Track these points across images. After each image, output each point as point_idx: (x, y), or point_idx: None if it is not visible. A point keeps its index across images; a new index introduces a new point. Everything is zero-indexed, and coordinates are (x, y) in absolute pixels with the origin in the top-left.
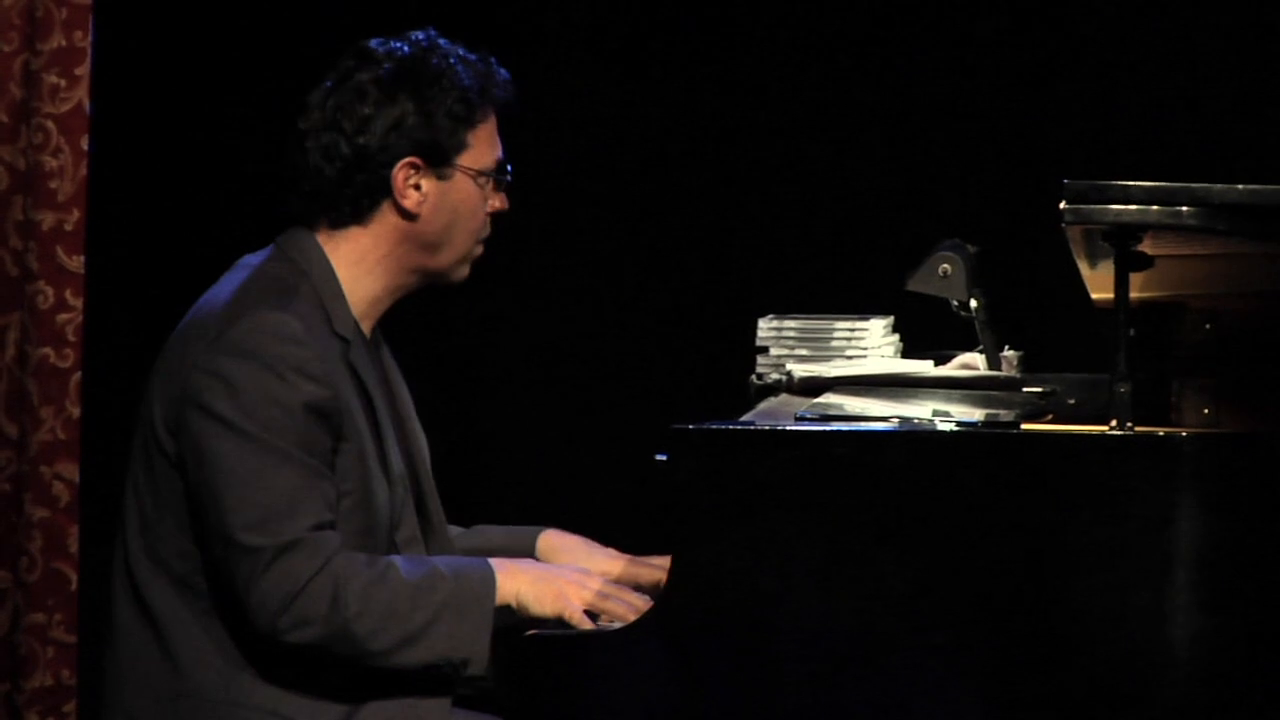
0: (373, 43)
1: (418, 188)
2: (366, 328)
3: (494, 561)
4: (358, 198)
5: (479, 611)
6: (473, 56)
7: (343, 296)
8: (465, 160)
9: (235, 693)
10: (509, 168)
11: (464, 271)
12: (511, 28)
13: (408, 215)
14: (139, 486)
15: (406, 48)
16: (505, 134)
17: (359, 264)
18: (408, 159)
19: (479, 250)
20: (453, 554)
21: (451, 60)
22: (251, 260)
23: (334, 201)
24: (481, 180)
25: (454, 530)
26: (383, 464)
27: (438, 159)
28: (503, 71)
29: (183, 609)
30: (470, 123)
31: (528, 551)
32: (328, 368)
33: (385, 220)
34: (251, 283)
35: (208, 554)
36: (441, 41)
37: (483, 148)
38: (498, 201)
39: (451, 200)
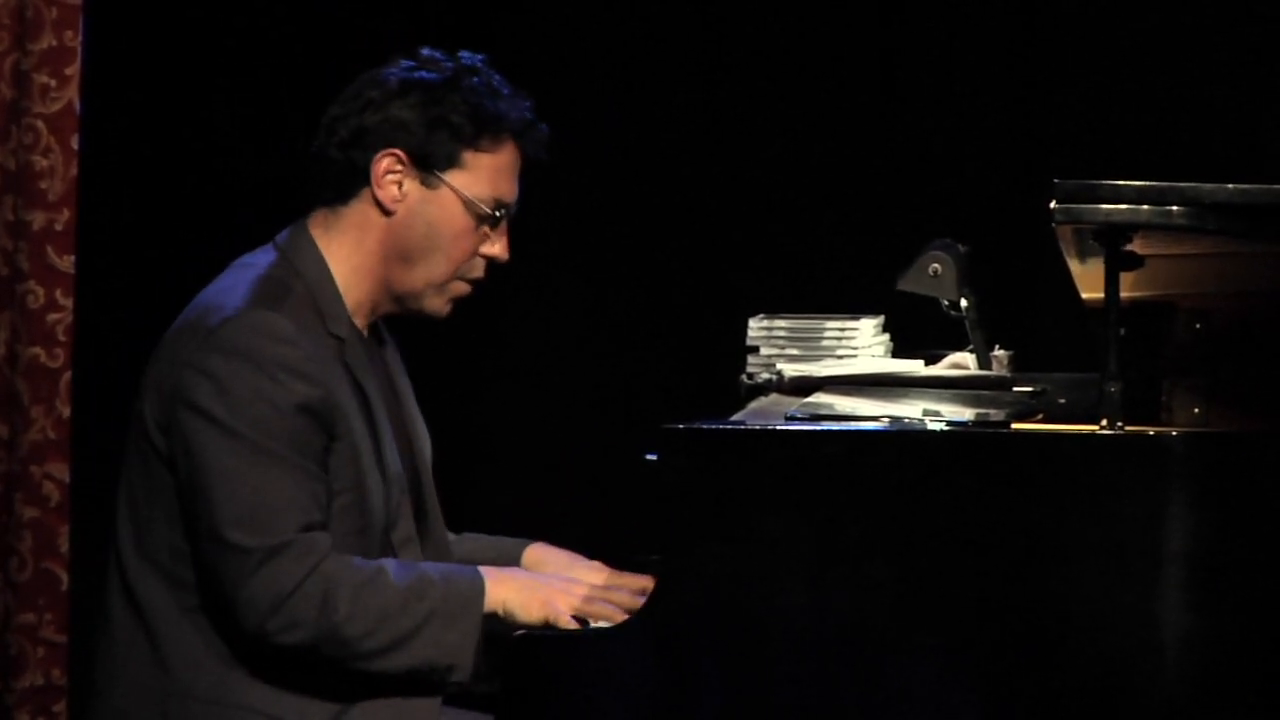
0: (425, 50)
1: (399, 185)
2: (363, 325)
3: (483, 569)
4: (341, 175)
5: (467, 619)
6: (507, 91)
7: (338, 295)
8: (455, 179)
9: (224, 692)
10: (503, 211)
11: (439, 304)
12: (505, 25)
13: (384, 210)
14: (131, 482)
15: (449, 62)
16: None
17: (349, 261)
18: (392, 150)
19: (462, 288)
20: (448, 557)
21: (478, 82)
22: (248, 260)
23: (323, 177)
24: (471, 207)
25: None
26: (379, 463)
27: (423, 163)
28: (540, 124)
29: (173, 606)
30: (470, 143)
31: (513, 562)
32: (320, 367)
33: (366, 212)
34: (246, 282)
35: (197, 552)
36: (482, 67)
37: (481, 175)
38: (496, 248)
39: (431, 213)
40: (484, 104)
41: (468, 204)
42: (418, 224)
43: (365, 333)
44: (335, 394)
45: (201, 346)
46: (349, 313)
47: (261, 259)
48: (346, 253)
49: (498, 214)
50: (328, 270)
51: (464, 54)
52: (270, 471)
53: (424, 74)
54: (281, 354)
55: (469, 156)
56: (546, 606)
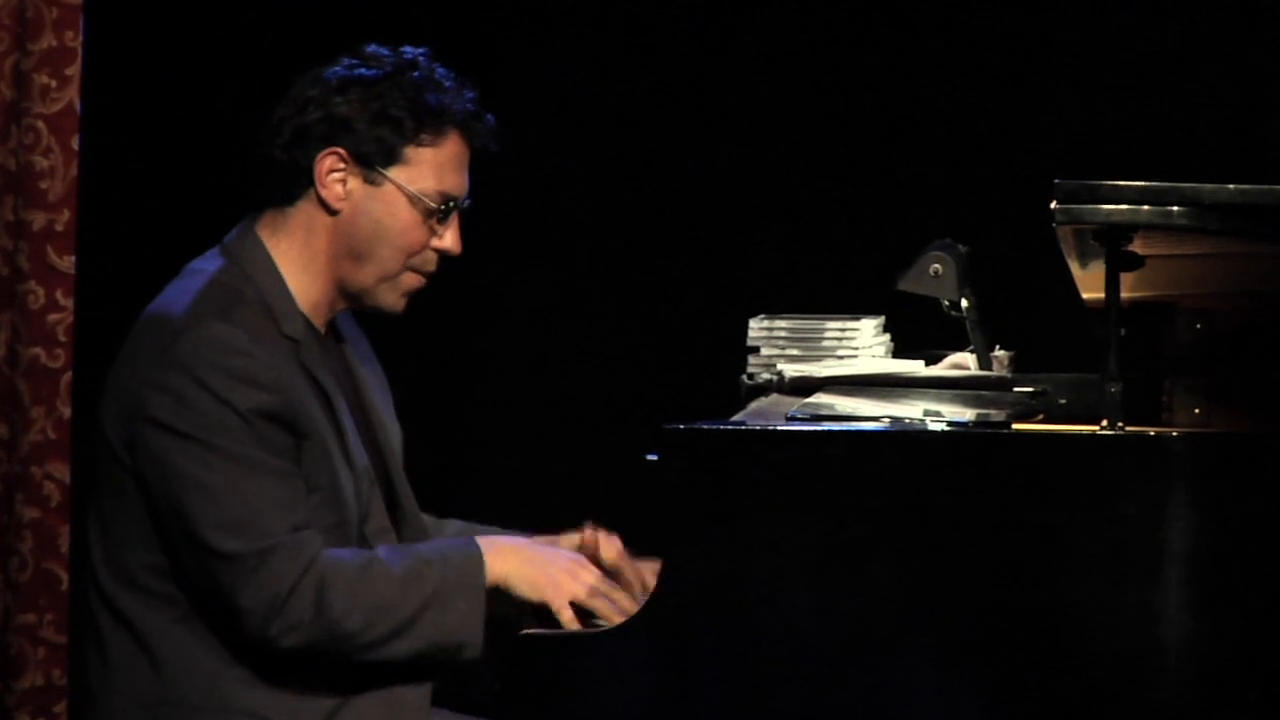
0: (369, 46)
1: (343, 184)
2: (319, 323)
3: (481, 541)
4: (285, 176)
5: (470, 594)
6: (449, 83)
7: (290, 296)
8: (399, 174)
9: (218, 698)
10: (450, 204)
11: (392, 299)
12: (504, 23)
13: (330, 209)
14: (101, 501)
15: (390, 56)
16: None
17: (299, 261)
18: (333, 149)
19: (414, 281)
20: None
21: (417, 75)
22: (197, 266)
23: (267, 179)
24: (417, 203)
25: (428, 519)
26: (345, 458)
27: (365, 160)
28: (486, 114)
29: (158, 619)
30: (411, 139)
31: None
32: (277, 374)
33: (312, 213)
34: (196, 292)
35: (183, 565)
36: (423, 61)
37: (425, 170)
38: (447, 241)
39: (376, 210)
40: (424, 97)
41: (413, 199)
42: (364, 222)
43: (324, 330)
44: (295, 397)
45: (157, 363)
46: (303, 313)
47: (210, 265)
48: (296, 253)
49: (445, 208)
50: (278, 272)
51: (406, 48)
52: (249, 476)
53: (363, 70)
54: (236, 365)
55: (411, 151)
56: (550, 587)
